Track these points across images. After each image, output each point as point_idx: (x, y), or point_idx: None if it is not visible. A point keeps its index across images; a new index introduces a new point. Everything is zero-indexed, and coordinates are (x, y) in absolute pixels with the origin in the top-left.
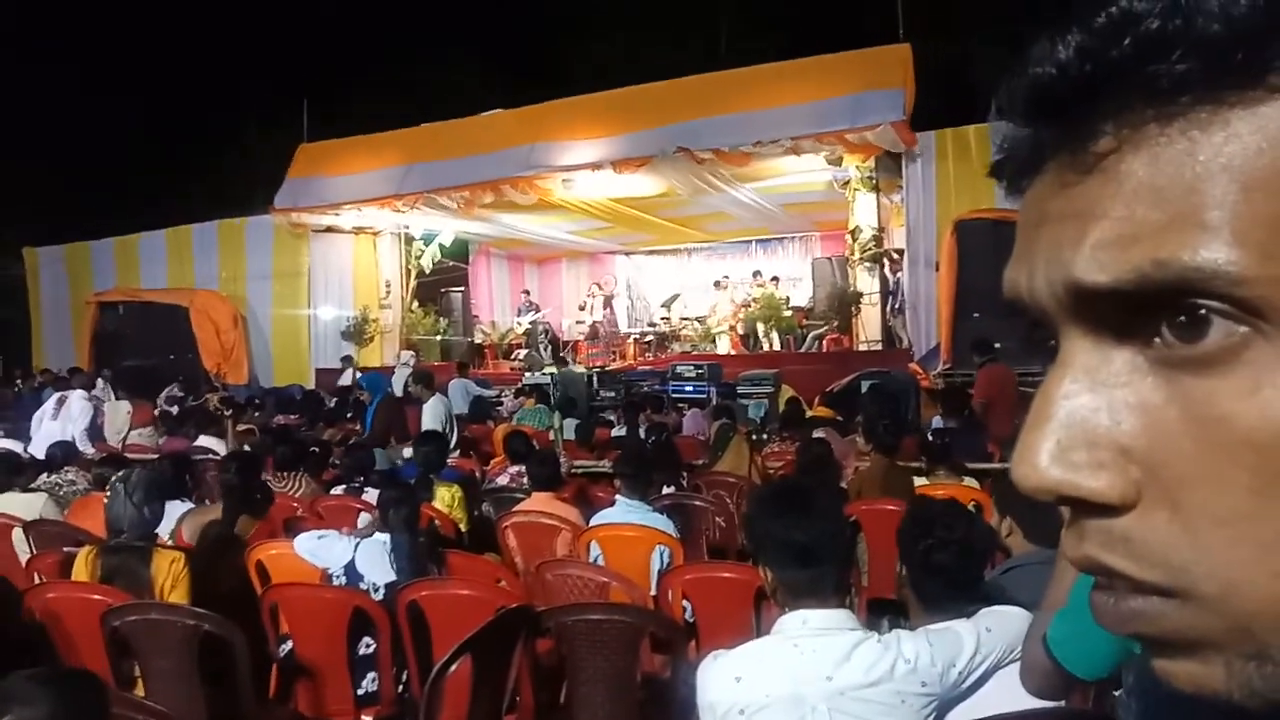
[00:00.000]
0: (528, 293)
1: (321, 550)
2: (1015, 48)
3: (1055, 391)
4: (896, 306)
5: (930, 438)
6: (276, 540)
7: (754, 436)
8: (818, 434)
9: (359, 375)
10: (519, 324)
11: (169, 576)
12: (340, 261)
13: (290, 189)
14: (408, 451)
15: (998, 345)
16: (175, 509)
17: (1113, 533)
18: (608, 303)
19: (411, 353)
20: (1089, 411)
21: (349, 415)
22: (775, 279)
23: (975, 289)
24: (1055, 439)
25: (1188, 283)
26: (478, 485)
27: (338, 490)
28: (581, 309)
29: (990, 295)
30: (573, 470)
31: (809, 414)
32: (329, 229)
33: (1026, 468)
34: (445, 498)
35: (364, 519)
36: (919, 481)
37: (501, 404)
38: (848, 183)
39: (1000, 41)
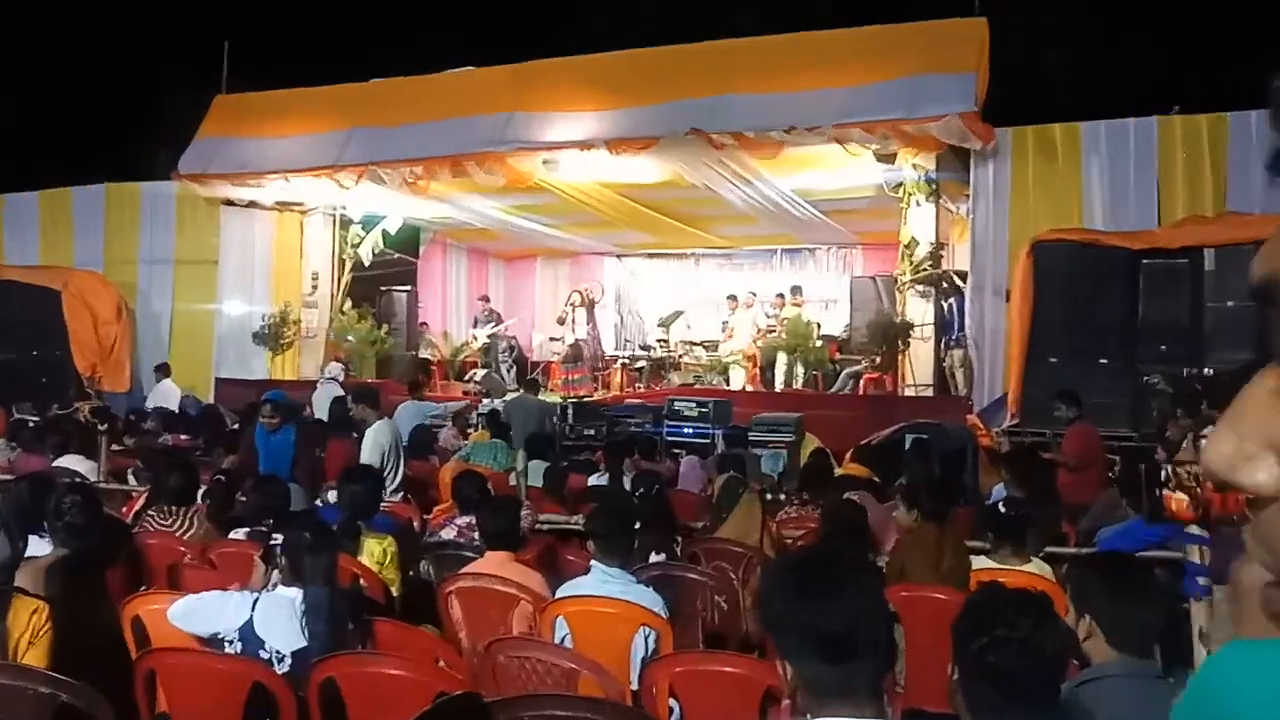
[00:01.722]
0: (486, 299)
1: (203, 612)
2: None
3: (1252, 390)
4: (954, 342)
5: (998, 508)
6: (160, 592)
7: (768, 496)
8: (848, 496)
9: (271, 394)
10: (476, 336)
11: (28, 630)
12: (258, 245)
13: (200, 150)
14: (334, 495)
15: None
16: (33, 546)
17: (1258, 517)
18: (591, 316)
19: (340, 365)
20: (1267, 414)
21: (227, 440)
22: (800, 294)
23: (1054, 327)
24: (1238, 433)
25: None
26: (416, 538)
27: (239, 534)
28: (560, 323)
29: (1072, 336)
30: (537, 525)
31: (838, 471)
32: (248, 204)
33: (1212, 453)
34: (375, 552)
35: (257, 570)
36: (978, 563)
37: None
38: (901, 185)
39: (1088, 26)
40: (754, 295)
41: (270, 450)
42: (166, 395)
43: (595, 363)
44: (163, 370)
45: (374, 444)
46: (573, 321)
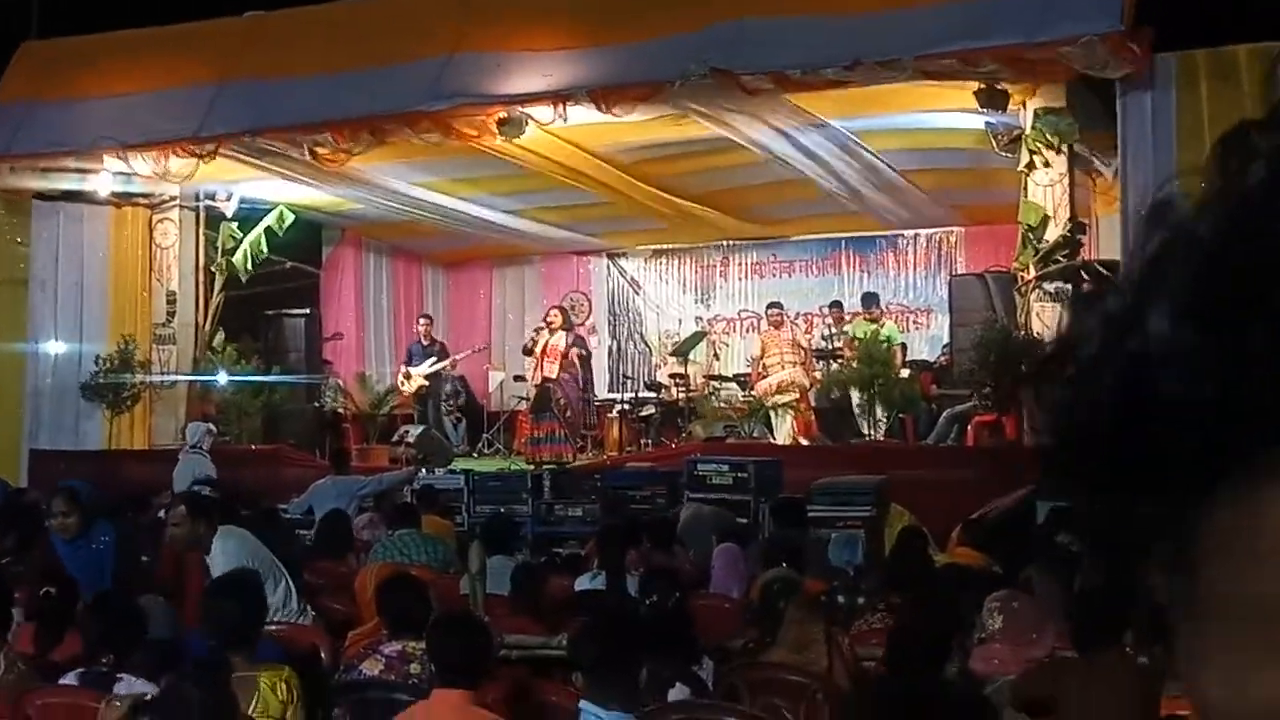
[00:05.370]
0: (429, 320)
1: None
2: None
3: None
4: None
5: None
6: None
7: (838, 599)
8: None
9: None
10: (410, 375)
11: None
12: (87, 256)
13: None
14: None
15: None
16: None
17: None
18: (574, 346)
19: (205, 426)
20: None
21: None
22: (875, 304)
23: None
24: None
25: None
26: (324, 676)
27: (69, 678)
28: (527, 353)
29: None
30: (503, 651)
31: (939, 558)
32: (69, 195)
33: None
34: (272, 692)
35: None
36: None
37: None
38: (1018, 138)
39: None
40: (779, 310)
41: (79, 569)
42: None
43: (575, 411)
44: None
45: (236, 548)
46: (546, 353)
